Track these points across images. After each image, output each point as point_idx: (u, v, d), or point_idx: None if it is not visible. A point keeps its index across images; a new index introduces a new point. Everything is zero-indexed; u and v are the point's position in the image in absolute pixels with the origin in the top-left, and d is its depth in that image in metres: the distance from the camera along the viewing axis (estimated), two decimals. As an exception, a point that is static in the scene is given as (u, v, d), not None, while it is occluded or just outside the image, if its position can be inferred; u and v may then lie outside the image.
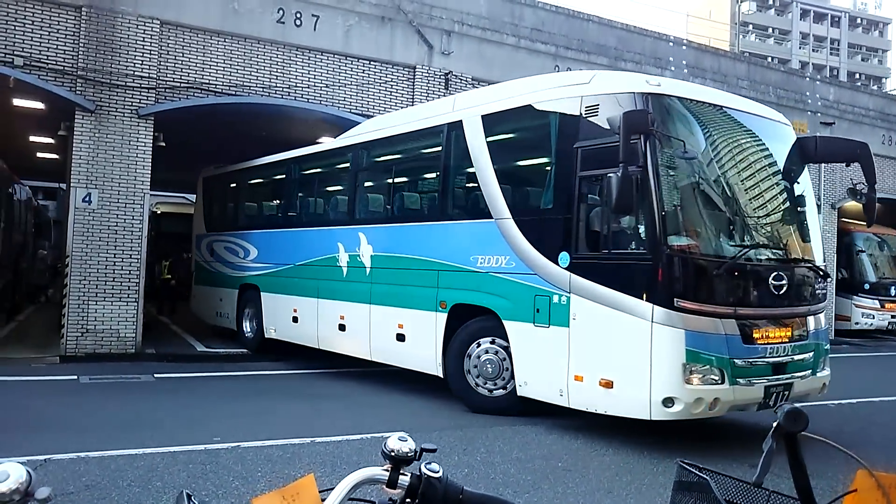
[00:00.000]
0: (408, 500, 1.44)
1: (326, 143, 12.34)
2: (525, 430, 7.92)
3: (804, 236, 8.04)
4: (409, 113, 10.74)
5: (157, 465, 6.05)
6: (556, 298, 7.61)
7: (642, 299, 6.85)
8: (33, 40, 11.79)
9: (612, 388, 7.04)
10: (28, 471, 1.16)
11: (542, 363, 7.80)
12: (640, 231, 7.03)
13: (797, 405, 1.64)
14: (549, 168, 8.14)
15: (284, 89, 13.60)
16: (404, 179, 10.75)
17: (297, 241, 12.26)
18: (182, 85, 12.78)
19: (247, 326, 13.70)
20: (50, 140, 16.63)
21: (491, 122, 8.69)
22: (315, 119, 14.49)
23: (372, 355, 10.37)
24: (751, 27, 76.47)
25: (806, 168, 8.25)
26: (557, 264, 7.61)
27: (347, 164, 11.45)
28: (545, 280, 7.74)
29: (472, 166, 8.82)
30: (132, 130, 12.36)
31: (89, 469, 5.86)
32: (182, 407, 8.88)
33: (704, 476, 1.78)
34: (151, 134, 12.52)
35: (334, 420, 8.31)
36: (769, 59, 47.35)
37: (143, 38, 12.41)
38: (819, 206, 19.60)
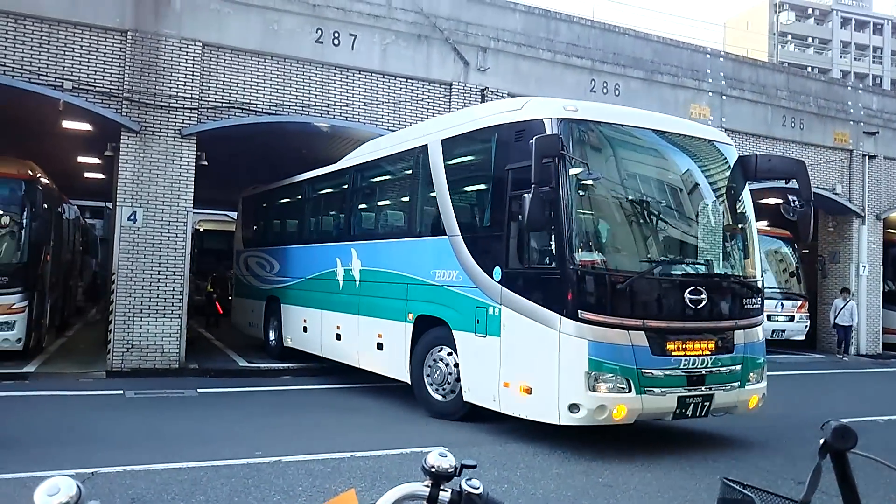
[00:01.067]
0: (448, 516, 1.44)
1: (327, 167, 13.07)
2: (565, 445, 7.86)
3: (734, 252, 8.31)
4: (392, 137, 11.29)
5: (200, 479, 6.14)
6: (491, 310, 8.01)
7: (553, 311, 7.24)
8: (82, 64, 12.15)
9: (530, 394, 7.45)
10: (78, 484, 1.20)
11: (481, 370, 8.18)
12: (552, 247, 7.39)
13: (843, 421, 1.61)
14: (488, 189, 8.56)
15: (323, 108, 13.78)
16: (385, 199, 11.51)
17: (306, 257, 13.12)
18: (223, 105, 13.04)
19: (271, 335, 14.52)
20: (97, 160, 17.07)
21: (448, 146, 9.17)
22: (352, 137, 14.65)
23: (360, 363, 10.96)
24: (790, 37, 75.43)
25: (746, 185, 8.44)
26: (492, 278, 8.01)
27: (343, 186, 12.19)
28: (484, 293, 8.15)
29: (433, 187, 9.28)
30: (175, 150, 12.63)
31: (135, 482, 5.97)
32: (224, 421, 8.99)
33: (749, 494, 1.76)
34: (194, 153, 12.78)
35: (374, 434, 8.35)
36: (809, 69, 46.66)
37: (186, 59, 12.70)
38: (863, 218, 19.07)
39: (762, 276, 8.56)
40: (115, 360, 12.23)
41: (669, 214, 7.99)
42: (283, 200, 15.45)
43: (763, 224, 23.10)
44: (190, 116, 12.74)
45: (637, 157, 8.09)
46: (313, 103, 13.71)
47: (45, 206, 13.20)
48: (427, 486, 1.44)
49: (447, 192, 9.01)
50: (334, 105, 13.87)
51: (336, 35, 13.76)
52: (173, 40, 12.62)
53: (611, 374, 7.05)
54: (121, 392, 10.59)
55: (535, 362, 7.48)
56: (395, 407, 10.20)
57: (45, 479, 1.24)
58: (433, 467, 1.44)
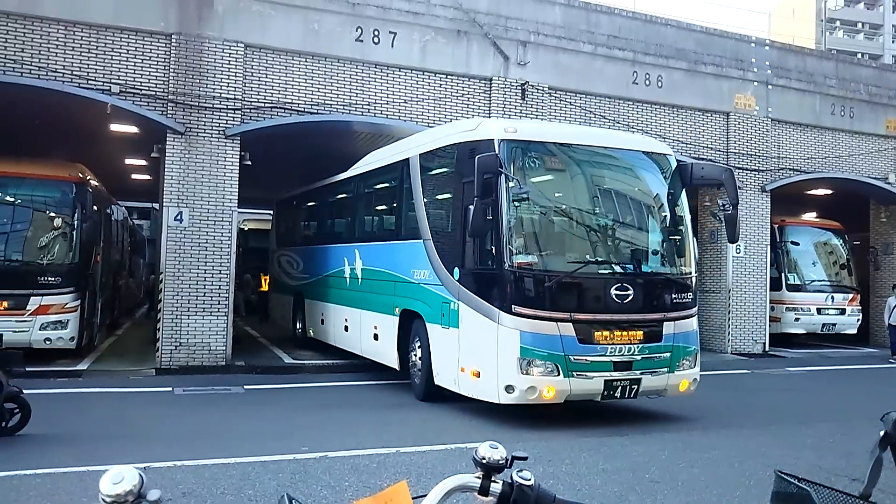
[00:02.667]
0: (499, 507, 1.44)
1: (337, 175, 14.08)
2: (611, 441, 7.80)
3: (666, 251, 9.21)
4: (387, 150, 12.17)
5: (248, 474, 6.23)
6: (452, 305, 9.01)
7: (493, 306, 8.28)
8: (128, 68, 12.40)
9: (479, 377, 8.50)
10: (140, 474, 1.24)
11: (446, 357, 9.21)
12: (493, 251, 8.34)
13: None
14: (451, 199, 9.48)
15: (364, 106, 13.86)
16: (379, 205, 12.65)
17: (323, 256, 14.32)
18: (266, 105, 13.19)
19: (298, 326, 15.93)
20: (143, 162, 17.42)
21: (423, 160, 10.28)
22: (393, 135, 14.71)
23: (363, 352, 12.16)
24: (838, 23, 73.55)
25: (683, 191, 9.26)
26: (453, 277, 9.03)
27: (349, 192, 13.53)
28: (447, 290, 9.15)
29: (413, 196, 10.37)
30: (220, 150, 12.82)
31: (185, 477, 6.08)
32: (271, 417, 9.11)
33: (805, 487, 1.72)
34: (238, 153, 12.96)
35: (419, 430, 8.37)
36: (859, 56, 45.48)
37: (229, 61, 12.88)
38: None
39: (695, 272, 9.40)
40: (163, 358, 12.48)
41: (599, 220, 8.92)
42: (305, 204, 16.72)
43: (811, 215, 22.64)
44: (233, 117, 12.92)
45: (570, 170, 9.13)
46: (354, 102, 13.79)
47: (95, 207, 13.51)
48: (478, 478, 1.44)
49: (422, 201, 10.13)
50: (375, 103, 13.94)
51: (376, 33, 13.82)
52: (216, 42, 12.80)
53: (541, 360, 8.01)
54: (169, 389, 10.79)
55: (481, 350, 8.49)
56: (440, 404, 10.22)
57: (107, 471, 1.28)
58: (484, 459, 1.44)
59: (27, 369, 8.19)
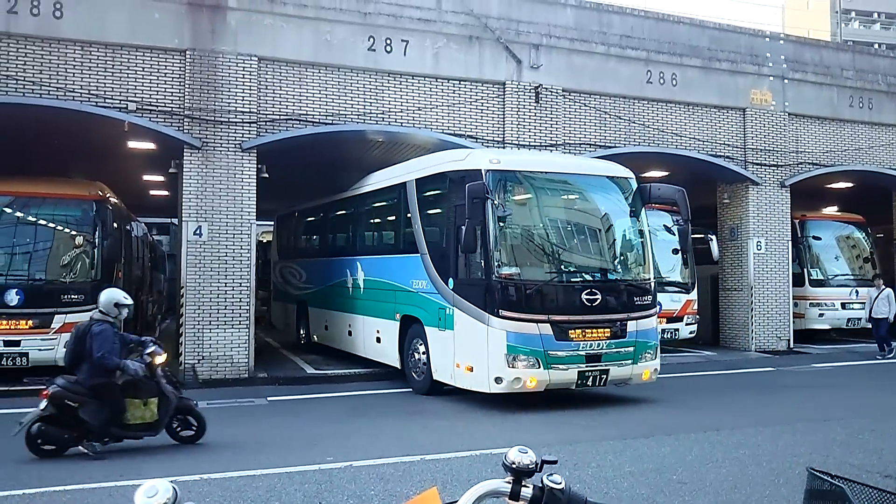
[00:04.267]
0: (530, 511, 1.43)
1: (340, 194, 15.14)
2: (636, 443, 7.75)
3: (628, 262, 10.71)
4: (385, 172, 13.14)
5: (274, 486, 6.24)
6: (447, 310, 10.37)
7: (483, 311, 9.65)
8: (144, 85, 12.52)
9: (472, 371, 9.87)
10: (174, 487, 1.25)
11: (443, 355, 10.52)
12: (482, 264, 9.73)
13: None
14: (445, 219, 10.76)
15: (378, 115, 13.90)
16: (379, 223, 13.85)
17: (326, 268, 15.41)
18: (281, 117, 13.27)
19: (301, 332, 17.08)
20: (161, 178, 17.57)
21: (419, 184, 11.54)
22: (408, 143, 14.75)
23: (366, 354, 13.36)
24: (853, 14, 72.83)
25: (643, 208, 10.73)
26: (448, 286, 10.35)
27: (351, 210, 14.72)
28: (443, 297, 10.50)
29: (411, 215, 11.64)
30: (237, 164, 12.90)
31: (212, 490, 6.10)
32: (295, 428, 9.13)
33: (839, 484, 1.69)
34: (255, 166, 13.03)
35: (442, 437, 8.36)
36: (876, 46, 45.02)
37: (243, 75, 12.97)
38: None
39: (654, 278, 10.82)
40: (186, 371, 12.54)
41: (571, 236, 10.46)
42: (307, 220, 17.92)
43: (833, 209, 22.41)
44: (249, 130, 13.00)
45: (547, 194, 10.49)
46: (368, 111, 13.84)
47: (115, 224, 13.62)
48: (508, 483, 1.43)
49: (419, 220, 11.44)
50: (389, 112, 13.98)
51: (388, 42, 13.87)
52: (230, 56, 12.90)
53: (524, 355, 9.42)
54: (193, 403, 10.82)
55: (473, 348, 9.82)
56: (462, 410, 10.21)
57: (139, 485, 1.29)
58: (514, 463, 1.43)
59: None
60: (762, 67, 17.56)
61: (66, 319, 12.06)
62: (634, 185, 10.77)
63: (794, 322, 17.87)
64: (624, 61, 15.95)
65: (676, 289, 16.49)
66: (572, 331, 9.65)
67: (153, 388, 7.67)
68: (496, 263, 9.60)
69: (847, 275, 19.09)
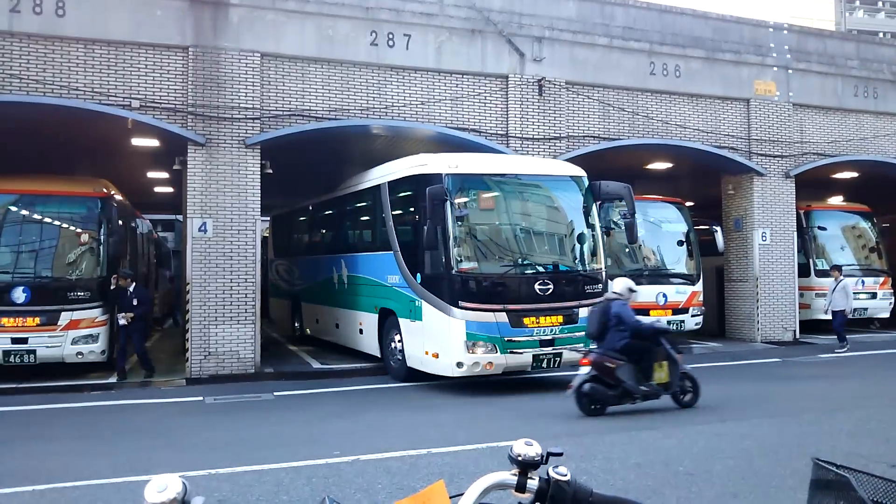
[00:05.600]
0: (537, 503, 1.44)
1: (324, 195, 16.01)
2: (642, 435, 7.76)
3: (579, 253, 11.46)
4: (364, 175, 13.79)
5: (282, 480, 6.27)
6: (417, 303, 11.17)
7: (445, 302, 10.48)
8: (147, 83, 12.54)
9: (438, 357, 10.67)
10: (184, 482, 1.26)
11: (414, 344, 11.36)
12: (443, 260, 10.48)
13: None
14: (412, 219, 11.60)
15: (381, 110, 13.90)
16: (360, 223, 14.52)
17: (315, 265, 16.32)
18: (284, 113, 13.27)
19: (296, 325, 17.99)
20: (165, 175, 17.61)
21: (391, 187, 12.37)
22: (412, 137, 14.74)
23: (351, 344, 14.21)
24: (857, 2, 72.43)
25: (594, 204, 11.56)
26: (416, 280, 11.13)
27: (334, 210, 15.65)
28: (413, 291, 11.29)
29: (384, 215, 12.46)
30: (241, 160, 12.92)
31: (220, 485, 6.13)
32: (302, 423, 9.16)
33: (844, 474, 1.69)
34: (259, 162, 13.04)
35: (448, 431, 8.38)
36: (881, 35, 44.81)
37: (246, 71, 12.98)
38: None
39: (604, 268, 11.63)
40: (193, 367, 12.59)
41: (524, 232, 11.27)
42: (299, 219, 18.71)
43: (838, 199, 22.33)
44: (253, 126, 13.01)
45: (501, 194, 11.25)
46: (371, 106, 13.84)
47: (121, 221, 13.66)
48: (514, 475, 1.44)
49: (391, 220, 12.25)
50: (392, 106, 13.97)
51: (390, 36, 13.86)
52: (233, 53, 12.90)
53: (482, 342, 10.30)
54: (200, 398, 10.89)
55: (438, 337, 10.67)
56: (468, 403, 10.24)
57: (148, 480, 1.30)
58: (520, 456, 1.44)
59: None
60: (766, 58, 17.50)
61: (72, 316, 12.13)
62: (585, 183, 11.59)
63: (799, 313, 17.83)
64: (627, 53, 15.92)
65: (681, 280, 16.49)
66: (526, 318, 10.47)
67: (664, 353, 9.03)
68: (455, 259, 10.46)
69: (853, 265, 19.01)
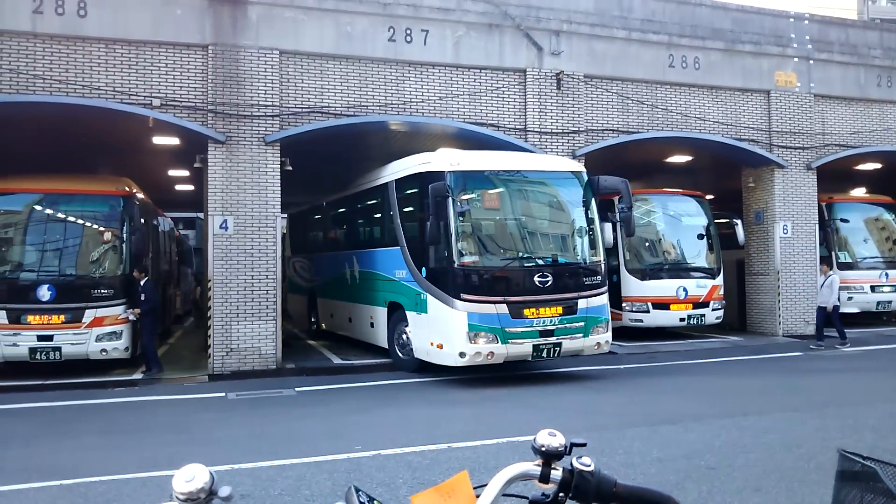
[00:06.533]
0: (560, 494, 1.44)
1: (338, 193, 16.41)
2: (663, 429, 7.73)
3: (577, 246, 11.80)
4: (374, 173, 14.10)
5: (304, 475, 6.31)
6: (423, 296, 11.53)
7: (448, 295, 10.84)
8: (167, 81, 12.64)
9: (442, 348, 11.02)
10: (211, 472, 1.28)
11: (421, 336, 11.71)
12: (446, 255, 10.88)
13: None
14: (416, 215, 11.89)
15: (399, 106, 13.92)
16: (371, 220, 14.82)
17: (329, 262, 16.81)
18: (303, 110, 13.33)
19: (312, 320, 18.49)
20: (186, 173, 17.75)
21: (398, 184, 12.71)
22: (430, 133, 14.76)
23: (363, 337, 14.59)
24: (880, -8, 71.38)
25: (593, 199, 11.80)
26: (422, 275, 11.52)
27: (347, 208, 16.15)
28: (419, 285, 11.65)
29: (392, 212, 12.80)
30: (260, 158, 12.99)
31: (242, 480, 6.18)
32: (323, 418, 9.22)
33: (871, 465, 1.68)
34: (278, 159, 13.12)
35: (469, 425, 8.40)
36: (904, 25, 44.10)
37: (265, 68, 13.05)
38: None
39: (604, 261, 11.95)
40: (215, 363, 12.70)
41: (524, 226, 11.51)
42: (313, 217, 19.23)
43: (861, 191, 22.07)
44: (272, 124, 13.08)
45: (501, 189, 11.55)
46: (390, 102, 13.86)
47: (143, 219, 13.79)
48: (538, 466, 1.44)
49: (399, 216, 12.61)
50: (410, 102, 13.99)
51: (408, 32, 13.87)
52: (252, 51, 12.97)
53: (484, 332, 10.61)
54: (223, 394, 10.98)
55: (442, 328, 11.02)
56: (486, 399, 10.25)
57: (176, 472, 1.33)
58: (543, 446, 1.44)
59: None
60: (786, 48, 17.32)
61: (96, 314, 12.27)
62: (585, 179, 11.87)
63: (822, 306, 17.63)
64: (646, 46, 15.82)
65: (702, 274, 16.38)
66: (526, 309, 10.78)
67: None
68: (457, 253, 10.82)
69: (876, 257, 18.78)
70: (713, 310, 16.29)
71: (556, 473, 1.44)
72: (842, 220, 18.84)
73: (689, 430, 7.63)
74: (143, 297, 12.54)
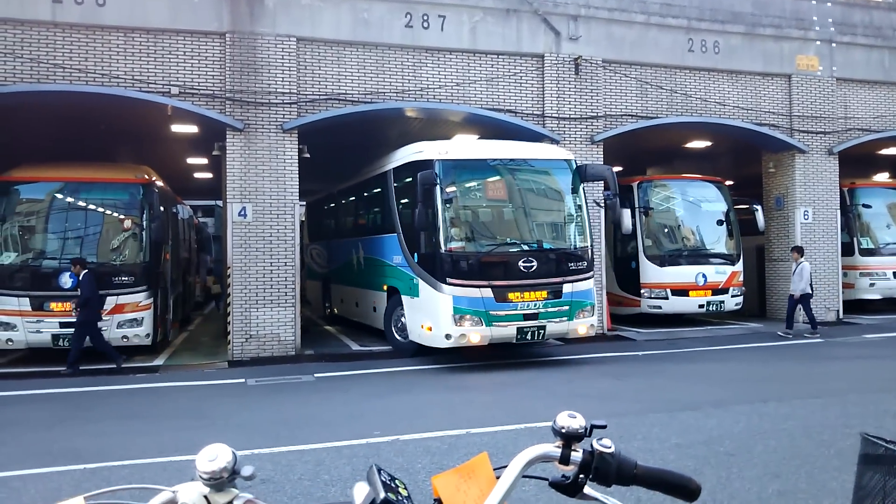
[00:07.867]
0: (581, 475, 1.44)
1: (347, 182, 16.84)
2: (682, 415, 7.70)
3: (564, 232, 12.15)
4: (379, 162, 14.28)
5: (323, 460, 6.36)
6: (414, 280, 11.94)
7: (436, 279, 11.26)
8: (185, 69, 12.69)
9: (431, 331, 11.43)
10: (234, 452, 1.30)
11: (414, 319, 12.12)
12: (433, 241, 11.28)
13: None
14: (410, 202, 12.04)
15: (416, 92, 13.88)
16: (373, 207, 15.16)
17: (340, 249, 17.36)
18: (321, 97, 13.34)
19: (326, 306, 19.11)
20: (204, 160, 17.84)
21: (395, 173, 13.06)
22: (447, 119, 14.72)
23: (368, 321, 15.05)
24: (904, -26, 70.12)
25: (581, 186, 12.12)
26: (414, 260, 11.92)
27: (354, 196, 16.62)
28: (412, 270, 12.05)
29: (389, 200, 13.18)
30: (278, 145, 13.03)
31: (262, 465, 6.23)
32: (342, 403, 9.27)
33: (894, 449, 1.67)
34: (296, 147, 13.15)
35: (487, 411, 8.41)
36: (928, 7, 43.31)
37: (282, 56, 13.06)
38: None
39: (591, 246, 12.28)
40: (234, 350, 12.80)
41: (510, 213, 11.97)
42: (327, 206, 19.75)
43: (884, 176, 21.79)
44: (290, 111, 13.10)
45: (489, 177, 11.97)
46: (407, 88, 13.83)
47: (162, 207, 13.88)
48: (558, 447, 1.44)
49: (395, 204, 12.99)
50: (427, 88, 13.95)
51: (425, 18, 13.81)
52: (269, 38, 12.98)
53: (469, 315, 11.00)
54: (242, 380, 11.07)
55: (431, 311, 11.46)
56: (503, 385, 10.26)
57: (203, 449, 1.34)
58: (563, 428, 1.44)
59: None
60: (808, 31, 17.08)
61: (117, 301, 12.40)
62: (573, 167, 12.12)
63: (843, 292, 17.48)
64: (665, 30, 15.66)
65: (721, 260, 16.27)
66: (511, 294, 11.14)
67: None
68: (445, 239, 11.18)
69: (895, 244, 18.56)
70: (732, 296, 16.18)
71: (577, 455, 1.44)
72: (864, 205, 18.62)
73: (708, 417, 7.59)
74: (79, 291, 11.71)
